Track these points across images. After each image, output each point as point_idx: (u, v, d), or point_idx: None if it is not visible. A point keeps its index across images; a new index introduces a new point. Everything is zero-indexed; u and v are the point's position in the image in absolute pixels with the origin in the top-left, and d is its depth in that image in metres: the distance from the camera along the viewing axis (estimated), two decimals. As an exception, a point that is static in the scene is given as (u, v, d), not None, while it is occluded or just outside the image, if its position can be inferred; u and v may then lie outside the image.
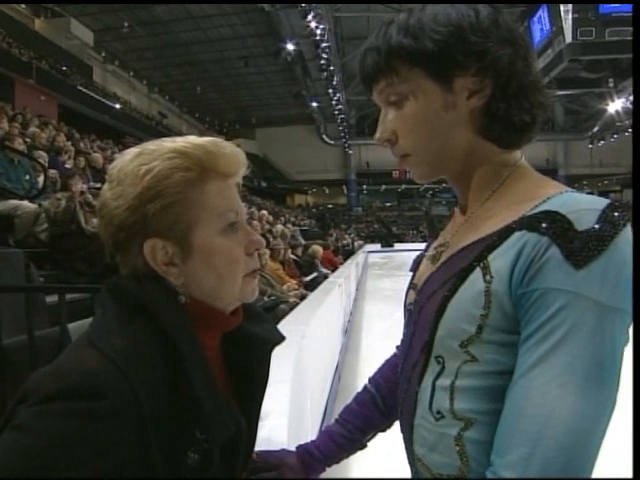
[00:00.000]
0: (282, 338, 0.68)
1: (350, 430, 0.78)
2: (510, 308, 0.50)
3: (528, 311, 0.48)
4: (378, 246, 23.49)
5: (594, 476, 0.46)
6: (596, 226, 0.47)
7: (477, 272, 0.52)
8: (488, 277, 0.51)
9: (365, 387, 0.83)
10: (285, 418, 1.09)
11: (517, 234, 0.51)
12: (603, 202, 0.50)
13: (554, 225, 0.49)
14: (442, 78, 0.56)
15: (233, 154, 0.58)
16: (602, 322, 0.46)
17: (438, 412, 0.55)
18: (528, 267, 0.48)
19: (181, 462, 0.50)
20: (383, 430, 0.81)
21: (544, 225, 0.49)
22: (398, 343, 0.83)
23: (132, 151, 0.57)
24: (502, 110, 0.56)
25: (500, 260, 0.51)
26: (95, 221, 3.21)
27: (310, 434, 1.90)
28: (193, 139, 0.57)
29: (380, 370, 0.84)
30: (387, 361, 0.85)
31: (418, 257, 0.74)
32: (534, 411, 0.45)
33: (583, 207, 0.49)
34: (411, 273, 0.72)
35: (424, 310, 0.59)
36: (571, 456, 0.44)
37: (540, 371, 0.46)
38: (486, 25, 0.55)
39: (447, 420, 0.54)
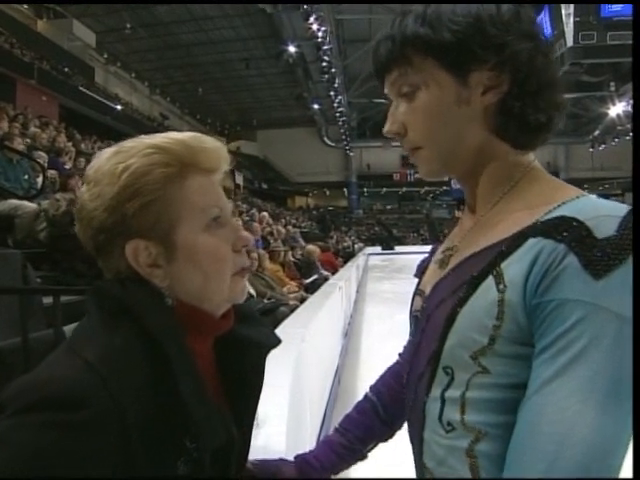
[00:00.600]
0: (278, 341, 0.65)
1: (350, 440, 0.76)
2: (524, 319, 0.47)
3: (543, 323, 0.46)
4: (379, 249, 23.46)
5: None
6: (616, 234, 0.45)
7: (490, 280, 0.50)
8: (502, 286, 0.49)
9: (366, 395, 0.80)
10: (283, 425, 1.06)
11: (531, 241, 0.48)
12: (623, 208, 0.47)
13: (571, 232, 0.46)
14: (457, 71, 0.54)
15: (214, 149, 0.56)
16: (622, 335, 0.43)
17: (449, 424, 0.52)
18: (543, 276, 0.46)
19: (170, 472, 0.48)
20: (385, 440, 0.79)
21: (561, 232, 0.47)
22: (399, 347, 0.81)
23: (109, 150, 0.54)
24: (517, 108, 0.54)
25: (514, 268, 0.48)
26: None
27: (309, 441, 1.88)
28: (173, 134, 0.55)
29: (382, 378, 0.81)
30: (389, 368, 0.82)
31: (423, 262, 0.72)
32: (551, 428, 0.43)
33: (602, 213, 0.47)
34: (416, 279, 0.69)
35: (432, 318, 0.57)
36: (591, 477, 0.41)
37: (557, 386, 0.44)
38: (507, 18, 0.53)
39: (458, 432, 0.51)
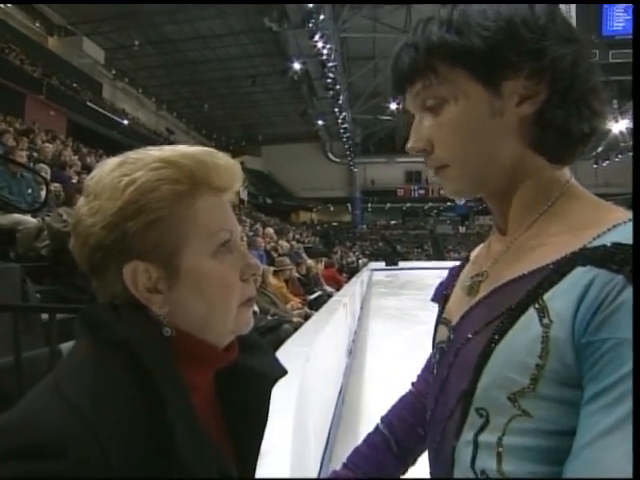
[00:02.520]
0: (283, 372, 0.60)
1: (360, 477, 0.70)
2: (572, 359, 0.41)
3: (596, 365, 0.40)
4: (382, 264, 23.39)
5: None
6: None
7: (531, 313, 0.45)
8: (546, 320, 0.43)
9: (377, 428, 0.74)
10: (287, 454, 1.00)
11: (580, 269, 0.43)
12: None
13: (630, 262, 0.40)
14: (489, 80, 0.49)
15: (228, 166, 0.51)
16: None
17: (482, 472, 0.46)
18: (596, 311, 0.40)
19: None
20: (396, 477, 0.72)
21: (617, 261, 0.41)
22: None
23: (112, 161, 0.49)
24: (560, 118, 0.48)
25: (560, 300, 0.43)
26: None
27: (313, 464, 1.81)
28: (183, 148, 0.50)
29: (394, 409, 0.75)
30: (402, 399, 0.76)
31: (443, 286, 0.66)
32: None
33: None
34: (433, 303, 0.64)
35: (463, 353, 0.51)
36: None
37: (616, 440, 0.37)
38: (543, 21, 0.48)
39: None
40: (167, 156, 0.48)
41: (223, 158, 0.51)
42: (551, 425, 0.43)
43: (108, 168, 0.48)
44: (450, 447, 0.51)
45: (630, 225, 0.45)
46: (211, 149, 0.52)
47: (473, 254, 0.66)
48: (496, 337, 0.46)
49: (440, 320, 0.61)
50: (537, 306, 0.44)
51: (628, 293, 0.39)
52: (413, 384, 0.77)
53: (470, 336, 0.50)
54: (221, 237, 0.49)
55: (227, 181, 0.51)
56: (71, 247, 0.49)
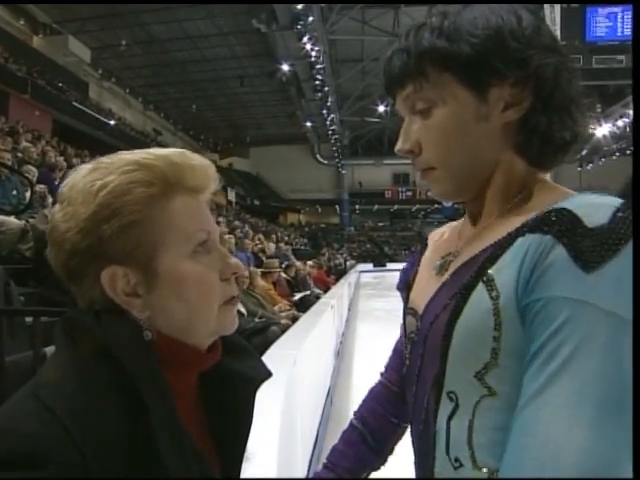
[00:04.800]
0: (268, 375, 0.60)
1: (340, 474, 0.70)
2: (521, 326, 0.43)
3: (531, 325, 0.41)
4: (370, 266, 23.45)
5: None
6: (610, 222, 0.40)
7: (480, 288, 0.46)
8: (494, 293, 0.45)
9: (351, 423, 0.75)
10: (274, 458, 1.01)
11: (520, 240, 0.45)
12: (617, 200, 0.43)
13: (559, 222, 0.42)
14: (476, 86, 0.51)
15: (202, 167, 0.51)
16: (616, 337, 0.38)
17: (456, 460, 0.47)
18: (531, 274, 0.42)
19: None
20: (377, 469, 0.73)
21: (548, 223, 0.43)
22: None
23: (86, 166, 0.49)
24: (543, 125, 0.51)
25: (504, 272, 0.44)
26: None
27: (301, 467, 1.81)
28: (156, 150, 0.50)
29: (364, 403, 0.76)
30: (371, 391, 0.77)
31: (406, 274, 0.67)
32: (538, 452, 0.37)
33: (595, 202, 0.43)
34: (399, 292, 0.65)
35: (429, 339, 0.53)
36: None
37: (544, 400, 0.38)
38: (529, 32, 0.50)
39: (466, 469, 0.46)
40: (139, 159, 0.48)
41: (197, 159, 0.51)
42: (516, 400, 0.43)
43: (82, 174, 0.49)
44: (431, 435, 0.51)
45: (572, 197, 0.47)
46: (184, 150, 0.52)
47: (434, 238, 0.68)
48: (453, 317, 0.48)
49: (406, 311, 0.62)
50: (484, 280, 0.46)
51: (557, 251, 0.41)
52: (382, 374, 0.77)
53: (432, 320, 0.52)
54: (198, 238, 0.49)
55: (201, 181, 0.51)
56: (47, 254, 0.49)
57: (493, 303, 0.44)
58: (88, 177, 0.47)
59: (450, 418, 0.48)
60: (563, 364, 0.38)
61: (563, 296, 0.39)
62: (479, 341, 0.45)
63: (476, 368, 0.46)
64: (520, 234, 0.45)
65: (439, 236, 0.67)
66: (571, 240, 0.41)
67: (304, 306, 5.24)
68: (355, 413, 0.76)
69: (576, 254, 0.40)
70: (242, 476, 0.61)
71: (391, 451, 0.73)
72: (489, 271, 0.46)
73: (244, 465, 0.62)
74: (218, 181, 0.54)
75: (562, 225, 0.42)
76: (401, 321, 0.64)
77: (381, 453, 0.72)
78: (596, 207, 0.42)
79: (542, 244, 0.42)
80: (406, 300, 0.63)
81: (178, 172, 0.49)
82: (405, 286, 0.65)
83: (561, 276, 0.40)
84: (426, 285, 0.58)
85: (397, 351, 0.73)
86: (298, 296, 6.04)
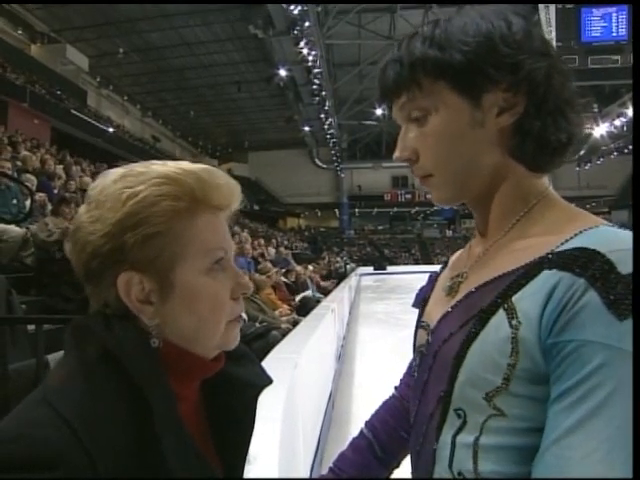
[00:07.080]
0: (269, 381, 0.61)
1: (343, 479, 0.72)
2: (540, 358, 0.43)
3: (560, 365, 0.42)
4: (370, 269, 23.46)
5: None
6: None
7: (501, 314, 0.46)
8: (515, 322, 0.45)
9: (361, 432, 0.76)
10: (275, 461, 1.02)
11: (546, 272, 0.45)
12: None
13: (592, 265, 0.42)
14: (470, 93, 0.51)
15: (228, 185, 0.53)
16: None
17: (459, 473, 0.48)
18: (560, 312, 0.42)
19: None
20: None
21: (580, 265, 0.43)
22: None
23: (116, 172, 0.50)
24: (537, 128, 0.51)
25: (528, 302, 0.45)
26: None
27: (303, 470, 1.82)
28: (185, 165, 0.51)
29: (377, 414, 0.77)
30: (384, 403, 0.78)
31: (422, 291, 0.68)
32: None
33: (626, 246, 0.43)
34: (414, 309, 0.66)
35: (440, 355, 0.53)
36: None
37: (577, 440, 0.39)
38: (519, 36, 0.51)
39: None
40: (170, 172, 0.49)
41: (224, 177, 0.53)
42: (525, 423, 0.44)
43: (111, 179, 0.50)
44: (431, 449, 0.52)
45: (597, 230, 0.47)
46: (213, 167, 0.53)
47: (452, 258, 0.69)
48: (470, 338, 0.48)
49: (419, 324, 0.63)
50: (506, 307, 0.46)
51: (590, 296, 0.41)
52: (396, 388, 0.78)
53: (446, 338, 0.52)
54: (216, 255, 0.51)
55: (226, 200, 0.53)
56: (68, 252, 0.50)
57: (512, 332, 0.45)
58: (119, 184, 0.49)
59: (456, 434, 0.49)
60: (598, 407, 0.39)
61: (598, 341, 0.40)
62: (492, 366, 0.46)
63: (486, 390, 0.46)
64: (546, 266, 0.45)
65: (457, 256, 0.68)
66: (605, 286, 0.41)
67: (305, 308, 5.25)
68: (366, 423, 0.76)
69: (610, 301, 0.40)
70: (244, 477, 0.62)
71: (398, 465, 0.74)
72: (512, 299, 0.46)
73: (246, 469, 0.63)
74: (241, 199, 0.55)
75: (595, 269, 0.42)
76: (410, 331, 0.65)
77: (388, 465, 0.72)
78: (628, 252, 0.42)
79: (574, 286, 0.42)
80: (420, 314, 0.64)
81: (205, 189, 0.50)
82: (421, 303, 0.66)
83: (595, 321, 0.41)
84: (440, 302, 0.59)
85: (411, 367, 0.74)
86: (299, 297, 6.04)
